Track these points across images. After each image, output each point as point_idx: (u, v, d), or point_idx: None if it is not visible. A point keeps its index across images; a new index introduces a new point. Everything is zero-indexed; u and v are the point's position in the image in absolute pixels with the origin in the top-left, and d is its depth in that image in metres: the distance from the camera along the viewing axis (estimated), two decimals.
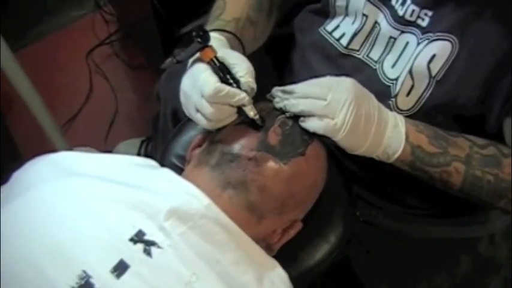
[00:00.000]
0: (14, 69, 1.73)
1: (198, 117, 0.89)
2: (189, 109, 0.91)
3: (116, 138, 2.16)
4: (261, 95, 0.95)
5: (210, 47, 0.88)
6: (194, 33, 0.87)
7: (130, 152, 2.02)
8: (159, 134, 1.40)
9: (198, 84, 0.86)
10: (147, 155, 1.11)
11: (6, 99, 2.09)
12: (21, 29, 2.40)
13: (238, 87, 0.86)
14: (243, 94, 0.86)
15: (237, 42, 1.05)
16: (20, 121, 2.07)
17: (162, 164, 0.97)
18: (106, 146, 2.12)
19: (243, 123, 0.90)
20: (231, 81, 0.86)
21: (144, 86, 2.25)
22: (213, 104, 0.85)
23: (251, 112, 0.88)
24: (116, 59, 2.39)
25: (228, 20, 1.07)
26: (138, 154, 2.00)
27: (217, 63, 0.87)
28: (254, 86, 0.88)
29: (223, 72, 0.87)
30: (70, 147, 1.91)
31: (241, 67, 0.88)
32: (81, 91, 2.30)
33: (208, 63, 0.88)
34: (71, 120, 2.23)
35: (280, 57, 1.28)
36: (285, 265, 0.88)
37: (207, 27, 1.02)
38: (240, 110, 0.88)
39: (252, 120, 0.89)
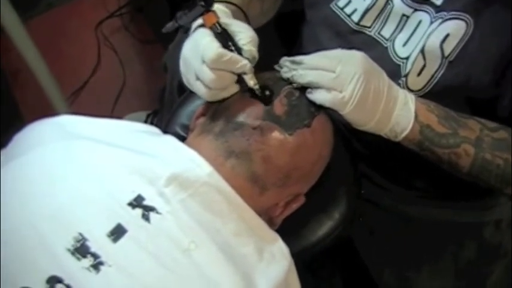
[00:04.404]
0: (22, 38, 1.75)
1: (197, 86, 0.88)
2: (188, 77, 0.90)
3: (122, 111, 2.16)
4: (268, 68, 0.94)
5: (213, 11, 0.87)
6: None
7: None
8: (165, 106, 1.39)
9: (199, 50, 0.85)
10: None
11: (13, 68, 2.09)
12: None
13: (240, 54, 0.85)
14: (245, 61, 0.84)
15: (243, 16, 1.03)
16: (25, 90, 2.08)
17: (166, 133, 0.96)
18: (112, 118, 2.11)
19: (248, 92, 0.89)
20: (233, 48, 0.85)
21: (152, 60, 2.25)
22: (214, 70, 0.84)
23: (251, 81, 0.87)
24: (125, 32, 2.40)
25: None
26: None
27: (220, 29, 0.86)
28: (256, 55, 0.87)
29: (226, 38, 0.86)
30: None
31: (245, 35, 0.87)
32: (89, 63, 2.31)
33: (210, 28, 0.86)
34: (78, 91, 2.24)
35: (289, 33, 1.27)
36: (286, 240, 0.88)
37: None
38: (240, 80, 0.87)
39: (251, 90, 0.88)
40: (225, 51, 0.83)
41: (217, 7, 0.93)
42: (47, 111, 1.84)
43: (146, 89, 2.26)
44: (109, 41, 2.36)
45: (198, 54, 0.85)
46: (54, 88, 1.92)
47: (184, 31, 0.96)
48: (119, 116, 2.11)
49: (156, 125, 1.32)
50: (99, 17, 2.39)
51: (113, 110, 2.19)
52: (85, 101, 2.22)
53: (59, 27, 2.38)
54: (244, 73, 0.86)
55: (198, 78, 0.87)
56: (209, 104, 0.95)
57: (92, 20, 2.39)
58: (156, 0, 2.03)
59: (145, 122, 2.06)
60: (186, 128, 1.09)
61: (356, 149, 1.13)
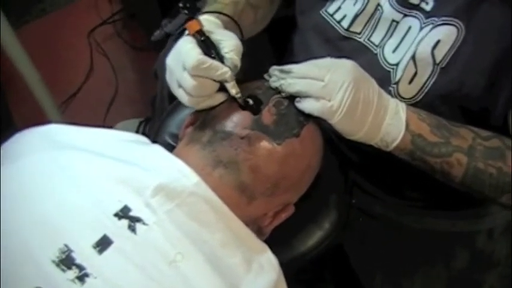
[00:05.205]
0: (14, 45, 1.74)
1: (180, 93, 0.88)
2: (172, 85, 0.90)
3: (115, 118, 2.16)
4: (259, 76, 0.93)
5: (197, 19, 0.87)
6: (181, 5, 0.86)
7: (128, 132, 2.01)
8: (156, 114, 1.38)
9: (181, 57, 0.85)
10: (144, 135, 1.11)
11: (7, 75, 2.08)
12: (24, 5, 2.41)
13: (222, 63, 0.85)
14: (226, 69, 0.84)
15: (235, 26, 1.02)
16: (19, 97, 2.07)
17: (156, 142, 0.95)
18: (104, 126, 2.10)
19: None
20: (214, 55, 0.85)
21: (145, 67, 2.22)
22: (195, 77, 0.83)
23: (233, 90, 0.86)
24: (118, 39, 2.40)
25: (226, 3, 1.05)
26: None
27: (202, 37, 0.86)
28: (238, 63, 0.86)
29: (208, 46, 0.85)
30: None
31: (228, 43, 0.86)
32: (82, 69, 2.31)
33: (193, 36, 0.86)
34: (71, 98, 2.24)
35: (280, 40, 1.26)
36: (276, 250, 0.87)
37: (204, 10, 1.00)
38: (223, 88, 0.87)
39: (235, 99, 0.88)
40: (206, 58, 0.83)
41: (207, 18, 0.93)
42: (40, 118, 1.85)
43: (139, 96, 2.25)
44: (101, 47, 2.36)
45: (180, 61, 0.85)
46: (46, 95, 1.91)
47: (175, 39, 0.95)
48: (112, 123, 2.12)
49: (148, 133, 1.31)
50: (91, 24, 2.40)
51: (105, 117, 2.18)
52: (77, 108, 2.21)
53: (51, 33, 2.39)
54: (226, 81, 0.85)
55: (180, 86, 0.86)
56: (198, 113, 0.94)
57: (84, 27, 2.39)
58: (149, 7, 2.02)
59: (138, 129, 2.06)
60: (176, 137, 1.09)
61: (347, 157, 1.12)
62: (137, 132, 2.03)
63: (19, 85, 1.89)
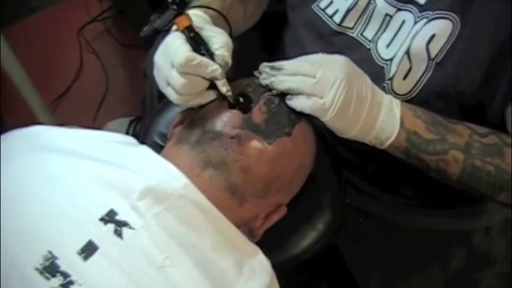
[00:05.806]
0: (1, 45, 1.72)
1: (168, 91, 0.85)
2: (160, 82, 0.87)
3: (106, 117, 2.14)
4: (249, 74, 0.91)
5: (186, 14, 0.84)
6: (170, 0, 0.83)
7: (119, 131, 2.00)
8: (146, 113, 1.36)
9: (169, 54, 0.83)
10: (134, 135, 1.10)
11: None
12: (13, 3, 2.38)
13: (212, 59, 0.82)
14: (216, 66, 0.82)
15: (223, 21, 1.00)
16: (12, 100, 2.05)
17: (144, 143, 0.93)
18: (95, 125, 2.10)
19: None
20: (204, 52, 0.82)
21: (136, 65, 2.20)
22: (183, 75, 0.81)
23: (224, 88, 0.84)
24: (108, 37, 2.38)
25: None
26: (127, 134, 1.98)
27: (192, 33, 0.83)
28: (229, 60, 0.84)
29: (197, 42, 0.83)
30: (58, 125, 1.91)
31: (218, 40, 0.84)
32: (72, 68, 2.30)
33: (182, 32, 0.84)
34: (60, 97, 2.22)
35: (271, 36, 1.24)
36: (269, 252, 0.85)
37: (192, 4, 0.98)
38: (213, 86, 0.85)
39: (225, 97, 0.85)
40: (195, 54, 0.81)
41: (195, 13, 0.91)
42: (33, 120, 1.83)
43: (129, 95, 2.23)
44: (91, 45, 2.35)
45: (168, 58, 0.83)
46: (34, 95, 1.90)
47: (163, 35, 0.93)
48: (102, 122, 2.10)
49: (139, 132, 1.29)
50: (81, 21, 2.38)
51: (95, 116, 2.16)
52: (67, 107, 2.20)
53: (41, 32, 2.37)
54: (216, 78, 0.83)
55: (169, 84, 0.84)
56: (187, 112, 0.92)
57: (74, 25, 2.37)
58: (138, 3, 2.01)
59: (128, 128, 2.04)
60: (164, 137, 1.06)
61: (341, 155, 1.10)
62: (128, 131, 2.02)
63: (11, 87, 1.87)
